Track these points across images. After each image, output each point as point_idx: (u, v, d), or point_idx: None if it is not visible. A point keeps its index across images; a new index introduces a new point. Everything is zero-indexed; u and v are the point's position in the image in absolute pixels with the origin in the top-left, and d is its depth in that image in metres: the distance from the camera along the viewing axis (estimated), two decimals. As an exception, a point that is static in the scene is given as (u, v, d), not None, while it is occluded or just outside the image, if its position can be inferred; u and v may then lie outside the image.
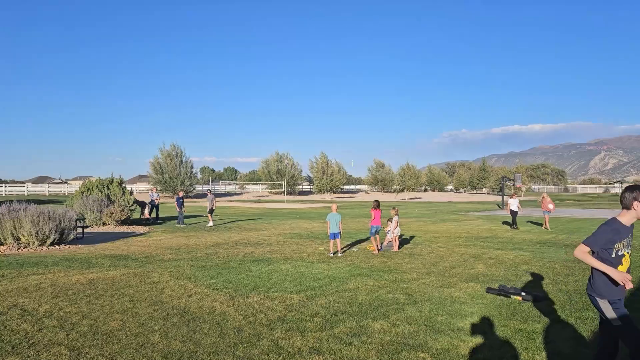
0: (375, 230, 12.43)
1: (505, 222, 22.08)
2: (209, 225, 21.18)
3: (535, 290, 7.98)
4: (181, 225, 21.13)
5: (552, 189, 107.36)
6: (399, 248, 12.96)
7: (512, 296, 7.44)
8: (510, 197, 20.09)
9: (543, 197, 19.68)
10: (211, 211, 22.12)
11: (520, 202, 21.58)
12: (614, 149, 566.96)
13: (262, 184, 74.35)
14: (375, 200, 13.07)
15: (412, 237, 15.86)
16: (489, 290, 7.88)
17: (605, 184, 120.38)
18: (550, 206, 19.06)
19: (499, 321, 6.24)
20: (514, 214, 19.40)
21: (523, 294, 7.40)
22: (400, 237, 13.36)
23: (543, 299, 7.29)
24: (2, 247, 13.36)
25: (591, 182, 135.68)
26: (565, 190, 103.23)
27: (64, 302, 7.16)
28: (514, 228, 18.98)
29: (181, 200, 22.29)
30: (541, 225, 20.23)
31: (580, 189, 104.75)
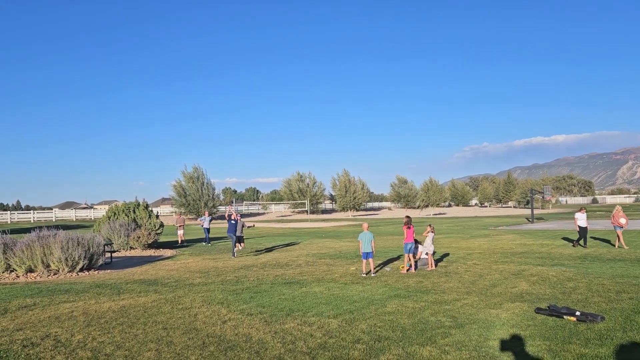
0: (409, 249, 12.01)
1: (565, 238, 20.10)
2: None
3: (587, 309, 7.50)
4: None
5: (580, 200, 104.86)
6: (435, 266, 12.53)
7: (565, 317, 6.98)
8: (579, 211, 17.36)
9: (616, 209, 17.09)
10: (240, 239, 18.05)
11: (553, 215, 20.47)
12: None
13: (284, 203, 74.26)
14: (407, 216, 12.64)
15: (445, 255, 15.37)
16: (539, 310, 7.41)
17: (635, 193, 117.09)
18: (623, 220, 16.58)
19: (557, 345, 5.80)
20: (583, 230, 16.85)
21: (577, 314, 6.93)
22: (432, 254, 12.89)
23: (599, 320, 6.80)
24: (32, 274, 13.35)
25: (620, 192, 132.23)
26: (594, 201, 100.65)
27: (97, 332, 6.96)
28: (579, 245, 16.83)
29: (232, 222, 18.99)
30: (609, 241, 18.16)
31: (610, 199, 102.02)
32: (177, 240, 23.85)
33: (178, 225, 24.14)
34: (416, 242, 12.67)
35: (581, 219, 17.00)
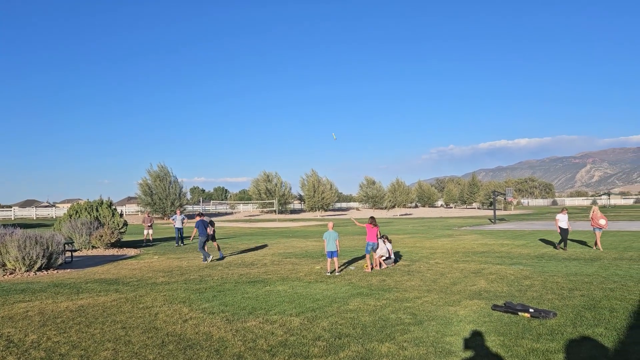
0: (372, 248, 12.15)
1: (543, 240, 19.86)
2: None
3: (541, 306, 7.77)
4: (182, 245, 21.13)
5: (541, 202, 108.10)
6: (394, 263, 12.73)
7: (519, 313, 7.21)
8: (560, 213, 17.02)
9: (593, 211, 16.66)
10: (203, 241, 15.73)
11: (515, 216, 20.85)
12: (599, 161, 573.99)
13: (252, 203, 73.82)
14: (371, 217, 12.78)
15: (408, 254, 15.61)
16: (495, 307, 7.64)
17: (592, 196, 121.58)
18: (602, 222, 16.14)
19: (510, 340, 6.00)
20: (565, 232, 16.52)
21: (531, 310, 7.17)
22: (388, 259, 12.99)
23: (552, 316, 7.06)
24: (-14, 273, 12.88)
25: (578, 194, 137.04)
26: (554, 203, 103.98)
27: (52, 331, 6.79)
28: (560, 248, 16.40)
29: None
30: (585, 243, 17.96)
31: (568, 201, 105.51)
32: (143, 240, 23.33)
33: (146, 224, 23.55)
34: (386, 238, 13.02)
35: (562, 221, 16.68)
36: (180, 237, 21.91)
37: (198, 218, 15.96)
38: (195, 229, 15.79)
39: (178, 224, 22.47)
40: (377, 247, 12.42)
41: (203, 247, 15.22)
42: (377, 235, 12.33)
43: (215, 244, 16.19)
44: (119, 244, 20.65)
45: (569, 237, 17.16)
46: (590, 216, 16.71)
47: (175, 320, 7.31)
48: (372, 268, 12.15)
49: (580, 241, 19.03)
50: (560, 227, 16.70)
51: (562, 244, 16.57)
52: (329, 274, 11.61)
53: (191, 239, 22.32)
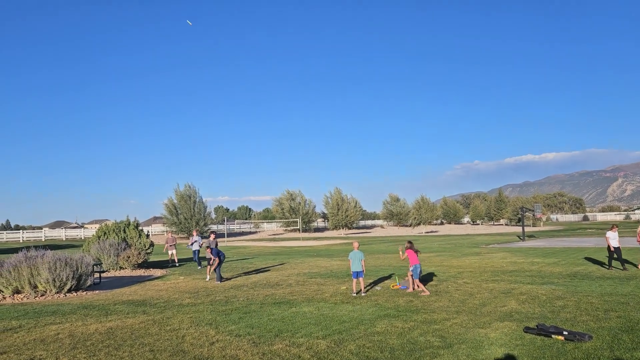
0: (420, 271, 11.85)
1: (588, 259, 18.48)
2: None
3: (575, 328, 7.52)
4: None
5: (571, 217, 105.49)
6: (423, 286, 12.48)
7: (553, 336, 6.99)
8: (610, 230, 15.74)
9: None
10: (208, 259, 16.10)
11: (544, 232, 20.24)
12: (631, 175, 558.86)
13: (276, 222, 74.01)
14: (409, 241, 12.44)
15: (435, 274, 15.36)
16: (527, 330, 7.43)
17: (625, 210, 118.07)
18: None
19: (545, 365, 5.81)
20: (617, 251, 15.41)
21: (565, 333, 6.94)
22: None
23: (587, 339, 6.82)
24: (19, 295, 13.17)
25: (610, 209, 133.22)
26: (585, 218, 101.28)
27: (82, 354, 6.87)
28: (613, 268, 15.20)
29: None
30: (627, 261, 16.39)
31: (600, 217, 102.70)
32: (169, 260, 23.09)
33: (168, 244, 23.26)
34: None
35: (613, 239, 15.58)
36: (199, 259, 21.34)
37: (213, 237, 16.21)
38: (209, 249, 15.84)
39: (195, 246, 21.88)
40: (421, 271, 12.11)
41: (218, 267, 15.43)
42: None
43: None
44: (145, 265, 20.90)
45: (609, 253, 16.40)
46: (638, 232, 15.81)
47: (202, 343, 7.31)
48: (413, 289, 11.84)
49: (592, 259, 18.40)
50: (611, 246, 15.56)
51: (621, 264, 15.38)
52: (355, 294, 11.49)
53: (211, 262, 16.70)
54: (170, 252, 22.83)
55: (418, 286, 11.80)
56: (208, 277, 15.85)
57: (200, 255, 22.01)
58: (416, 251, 12.02)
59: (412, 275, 11.88)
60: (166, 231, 59.62)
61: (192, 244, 22.40)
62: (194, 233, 23.38)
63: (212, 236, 17.17)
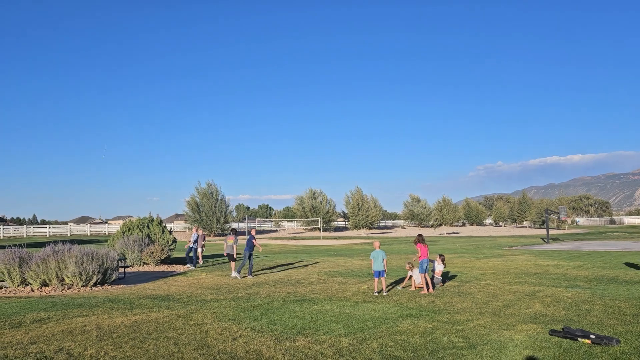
0: (427, 267, 11.87)
1: (629, 264, 17.21)
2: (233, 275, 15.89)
3: (602, 332, 7.37)
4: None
5: (597, 221, 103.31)
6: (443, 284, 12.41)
7: (579, 339, 6.87)
8: None
9: None
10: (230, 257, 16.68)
11: (569, 235, 19.65)
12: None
13: (297, 220, 74.28)
14: (419, 235, 12.49)
15: (457, 275, 15.22)
16: (553, 332, 7.31)
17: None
18: None
19: (571, 368, 5.71)
20: None
21: (592, 336, 6.82)
22: (433, 277, 12.64)
23: (615, 343, 6.68)
24: (46, 288, 13.50)
25: (638, 212, 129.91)
26: (612, 222, 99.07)
27: (109, 346, 7.01)
28: None
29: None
30: None
31: (627, 220, 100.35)
32: (194, 257, 21.62)
33: (200, 243, 22.60)
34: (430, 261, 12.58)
35: None
36: (192, 256, 20.40)
37: (232, 238, 16.68)
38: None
39: (191, 243, 20.85)
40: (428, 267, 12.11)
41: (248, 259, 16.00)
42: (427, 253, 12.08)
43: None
44: (168, 261, 21.18)
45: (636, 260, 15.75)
46: None
47: (226, 338, 7.39)
48: (427, 289, 11.79)
49: (633, 264, 17.97)
50: None
51: None
52: (377, 294, 11.47)
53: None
54: (200, 250, 22.01)
55: (422, 282, 11.90)
56: (234, 273, 15.87)
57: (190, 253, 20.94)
58: (425, 244, 12.03)
59: (426, 276, 11.85)
60: (194, 227, 59.83)
61: (196, 242, 21.10)
62: (194, 229, 22.10)
63: (232, 238, 16.91)
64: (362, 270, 16.99)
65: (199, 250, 22.02)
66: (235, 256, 16.50)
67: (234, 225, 68.67)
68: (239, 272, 15.86)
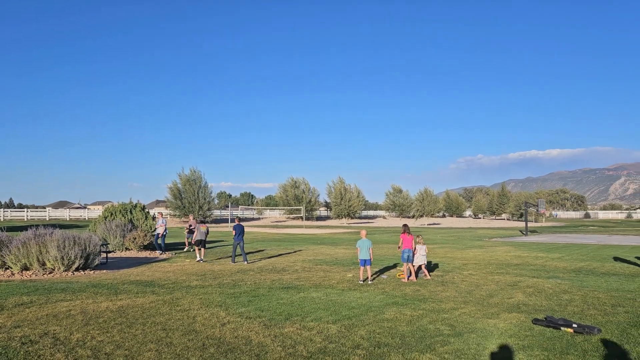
0: (408, 256, 12.02)
1: (619, 259, 16.88)
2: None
3: (583, 321, 7.57)
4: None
5: (573, 214, 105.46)
6: (429, 276, 12.56)
7: (562, 328, 7.04)
8: None
9: None
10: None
11: (546, 228, 20.13)
12: (634, 174, 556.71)
13: (279, 209, 74.19)
14: (404, 225, 12.64)
15: (440, 264, 15.42)
16: (536, 321, 7.48)
17: (627, 209, 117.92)
18: None
19: (555, 356, 5.86)
20: None
21: (574, 326, 6.99)
22: (419, 267, 12.79)
23: (596, 332, 6.87)
24: (27, 272, 13.28)
25: (612, 207, 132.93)
26: (587, 216, 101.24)
27: (95, 331, 6.95)
28: None
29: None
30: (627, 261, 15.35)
31: (602, 214, 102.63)
32: (187, 244, 21.91)
33: (191, 227, 21.32)
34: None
35: None
36: (157, 243, 19.77)
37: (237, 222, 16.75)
38: (233, 231, 16.25)
39: (160, 230, 19.89)
40: (413, 256, 12.24)
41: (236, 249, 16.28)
42: (412, 243, 12.21)
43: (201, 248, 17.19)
44: (151, 247, 21.00)
45: (619, 254, 16.00)
46: None
47: (214, 324, 7.39)
48: (408, 278, 11.96)
49: (622, 259, 18.45)
50: None
51: None
52: (362, 282, 11.56)
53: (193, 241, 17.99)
54: (189, 235, 21.51)
55: (403, 271, 12.15)
56: (198, 257, 16.84)
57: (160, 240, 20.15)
58: (410, 234, 12.17)
59: (410, 265, 12.02)
60: (189, 215, 58.48)
61: (159, 228, 20.09)
62: (159, 216, 20.96)
63: (204, 226, 17.55)
64: (346, 259, 17.09)
65: (188, 237, 21.29)
66: (205, 244, 17.26)
67: (216, 212, 68.26)
68: (238, 259, 16.54)
